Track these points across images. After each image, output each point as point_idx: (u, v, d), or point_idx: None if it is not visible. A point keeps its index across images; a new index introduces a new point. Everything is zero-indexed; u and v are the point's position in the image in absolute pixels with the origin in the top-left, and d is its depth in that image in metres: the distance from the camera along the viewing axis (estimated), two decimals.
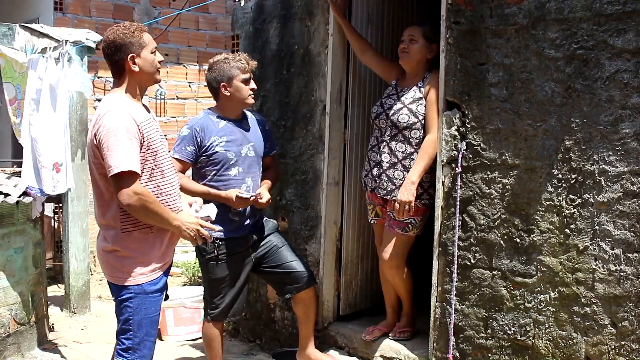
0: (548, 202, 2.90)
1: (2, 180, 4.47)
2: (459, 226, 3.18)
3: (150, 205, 2.65)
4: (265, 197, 3.39)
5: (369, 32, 4.03)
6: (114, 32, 2.75)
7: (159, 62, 2.83)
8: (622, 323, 2.71)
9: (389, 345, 3.65)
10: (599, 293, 2.77)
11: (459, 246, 3.18)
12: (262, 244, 3.54)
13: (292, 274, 3.54)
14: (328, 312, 4.04)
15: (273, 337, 4.35)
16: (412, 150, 3.47)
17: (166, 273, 2.88)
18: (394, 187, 3.48)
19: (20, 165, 4.57)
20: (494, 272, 3.08)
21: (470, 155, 3.14)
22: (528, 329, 2.98)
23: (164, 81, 7.23)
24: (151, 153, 2.72)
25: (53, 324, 4.99)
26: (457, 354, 3.20)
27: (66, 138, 4.38)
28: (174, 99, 7.58)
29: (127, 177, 2.59)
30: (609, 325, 2.75)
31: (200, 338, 4.16)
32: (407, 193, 3.35)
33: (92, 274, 5.77)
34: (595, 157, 2.76)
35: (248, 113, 3.60)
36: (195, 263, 6.22)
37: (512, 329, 3.03)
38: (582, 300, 2.81)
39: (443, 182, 3.25)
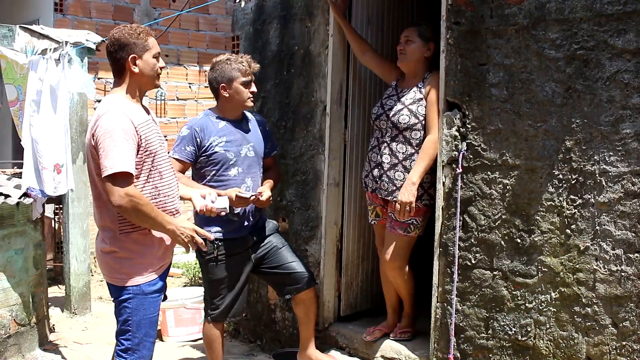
0: (549, 203, 2.90)
1: (2, 181, 4.47)
2: (459, 226, 3.18)
3: (143, 207, 2.63)
4: (266, 194, 3.38)
5: (369, 33, 4.03)
6: (120, 31, 2.77)
7: (161, 68, 2.84)
8: (623, 323, 2.71)
9: (389, 346, 3.65)
10: (600, 293, 2.77)
11: (459, 246, 3.18)
12: (262, 244, 3.54)
13: (293, 274, 3.54)
14: (329, 312, 4.03)
15: (274, 337, 4.35)
16: (413, 151, 3.47)
17: (165, 274, 2.88)
18: (395, 188, 3.48)
19: (20, 166, 4.57)
20: (495, 273, 3.08)
21: (471, 156, 3.14)
22: (529, 330, 2.98)
23: (164, 82, 7.24)
24: (149, 155, 2.72)
25: (54, 325, 4.99)
26: (458, 355, 3.20)
27: (67, 139, 4.38)
28: (174, 99, 7.58)
29: (121, 178, 2.59)
30: (610, 326, 2.75)
31: (200, 339, 4.16)
32: (407, 194, 3.35)
33: (92, 275, 5.77)
34: (596, 158, 2.76)
35: (248, 114, 3.61)
36: (195, 264, 6.22)
37: (513, 329, 3.03)
38: (583, 300, 2.81)
39: (444, 183, 3.25)
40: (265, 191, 3.40)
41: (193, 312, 4.82)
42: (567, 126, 2.83)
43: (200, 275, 4.69)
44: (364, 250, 4.17)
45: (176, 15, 5.76)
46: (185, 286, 6.03)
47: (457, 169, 3.16)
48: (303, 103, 4.15)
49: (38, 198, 4.40)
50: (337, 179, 4.02)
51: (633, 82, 2.65)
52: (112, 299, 2.84)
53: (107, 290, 2.91)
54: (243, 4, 4.49)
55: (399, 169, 3.49)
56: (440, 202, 3.26)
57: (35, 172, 4.33)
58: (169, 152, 3.04)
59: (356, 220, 4.10)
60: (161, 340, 4.75)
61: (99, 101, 6.50)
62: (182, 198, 3.15)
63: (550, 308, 2.91)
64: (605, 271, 2.75)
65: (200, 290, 4.55)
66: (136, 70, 2.75)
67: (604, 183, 2.74)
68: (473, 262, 3.15)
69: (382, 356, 3.65)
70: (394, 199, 3.46)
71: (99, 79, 6.88)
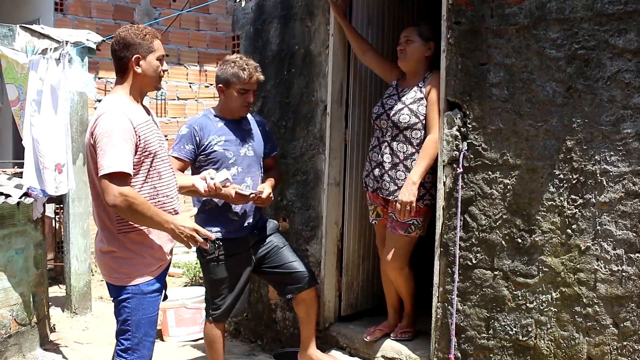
0: (549, 203, 2.90)
1: (3, 181, 4.47)
2: (460, 226, 3.17)
3: (138, 206, 2.61)
4: (266, 192, 3.38)
5: (369, 33, 4.03)
6: (126, 30, 2.78)
7: (164, 71, 2.85)
8: (624, 323, 2.71)
9: (390, 346, 3.65)
10: (601, 293, 2.76)
11: (460, 246, 3.18)
12: (263, 244, 3.54)
13: (293, 274, 3.54)
14: (329, 312, 4.03)
15: (274, 337, 4.35)
16: (414, 150, 3.47)
17: (164, 273, 2.87)
18: (396, 187, 3.48)
19: (21, 166, 4.58)
20: (496, 273, 3.08)
21: (472, 156, 3.14)
22: (530, 330, 2.98)
23: (164, 82, 7.23)
24: (147, 155, 2.72)
25: (54, 325, 4.99)
26: (459, 355, 3.20)
27: (67, 139, 4.38)
28: (174, 99, 7.58)
29: (117, 178, 2.58)
30: (611, 326, 2.75)
31: (201, 339, 4.16)
32: (408, 193, 3.35)
33: (93, 275, 5.77)
34: (596, 157, 2.75)
35: (248, 114, 3.60)
36: (196, 264, 6.22)
37: (514, 329, 3.02)
38: (584, 300, 2.81)
39: (444, 183, 3.24)
40: (266, 189, 3.40)
41: (194, 312, 4.82)
42: (567, 126, 2.83)
43: (201, 275, 4.69)
44: (364, 250, 4.17)
45: (176, 14, 5.76)
46: (185, 286, 6.03)
47: (458, 169, 3.16)
48: (303, 103, 4.15)
49: (39, 198, 4.40)
50: (338, 178, 4.02)
51: (634, 81, 2.65)
52: (112, 298, 2.85)
53: (107, 290, 2.92)
54: (243, 3, 4.49)
55: (400, 168, 3.49)
56: (441, 202, 3.26)
57: (36, 171, 4.34)
58: (168, 152, 3.04)
59: (357, 220, 4.09)
60: (162, 340, 4.75)
61: (100, 101, 6.50)
62: (183, 188, 3.16)
63: (551, 308, 2.91)
64: (606, 271, 2.75)
65: (201, 290, 4.56)
66: (139, 70, 2.76)
67: (604, 183, 2.74)
68: (474, 262, 3.14)
69: (382, 356, 3.65)
70: (395, 198, 3.45)
71: (99, 78, 6.88)
